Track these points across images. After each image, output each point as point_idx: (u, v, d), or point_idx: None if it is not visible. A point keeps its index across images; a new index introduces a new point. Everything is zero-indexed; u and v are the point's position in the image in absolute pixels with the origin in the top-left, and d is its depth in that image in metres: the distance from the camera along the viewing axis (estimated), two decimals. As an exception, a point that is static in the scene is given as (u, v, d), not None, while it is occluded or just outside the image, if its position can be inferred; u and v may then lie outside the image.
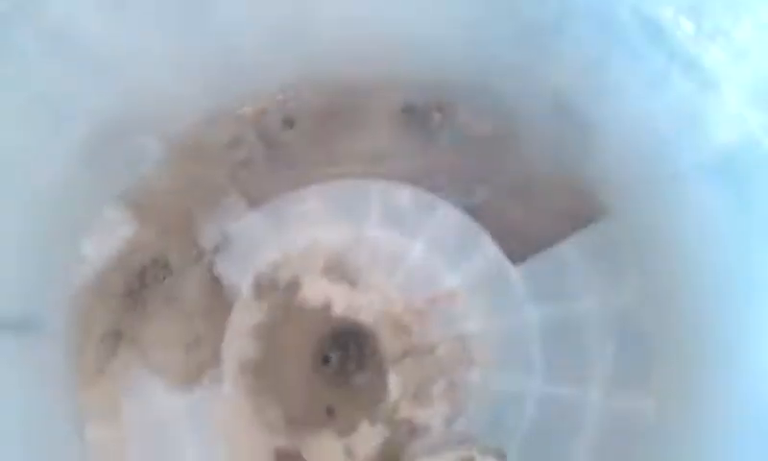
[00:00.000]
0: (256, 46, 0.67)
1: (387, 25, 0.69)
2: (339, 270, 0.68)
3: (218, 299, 0.69)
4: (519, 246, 0.71)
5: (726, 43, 0.41)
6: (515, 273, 0.66)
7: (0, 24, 0.53)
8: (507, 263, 0.68)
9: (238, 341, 0.66)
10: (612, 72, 0.57)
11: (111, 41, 0.60)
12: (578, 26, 0.57)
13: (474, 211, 0.72)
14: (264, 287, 0.69)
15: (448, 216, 0.71)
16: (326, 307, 0.67)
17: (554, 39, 0.61)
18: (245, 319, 0.67)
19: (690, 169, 0.54)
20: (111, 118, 0.67)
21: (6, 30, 0.54)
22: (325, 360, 0.64)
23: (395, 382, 0.65)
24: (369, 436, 0.64)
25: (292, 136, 0.76)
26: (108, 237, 0.71)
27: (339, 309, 0.66)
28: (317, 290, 0.67)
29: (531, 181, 0.73)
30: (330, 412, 0.64)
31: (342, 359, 0.64)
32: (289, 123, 0.76)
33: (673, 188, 0.58)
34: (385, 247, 0.68)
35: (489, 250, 0.68)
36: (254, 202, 0.73)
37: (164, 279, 0.71)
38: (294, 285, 0.68)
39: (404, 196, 0.71)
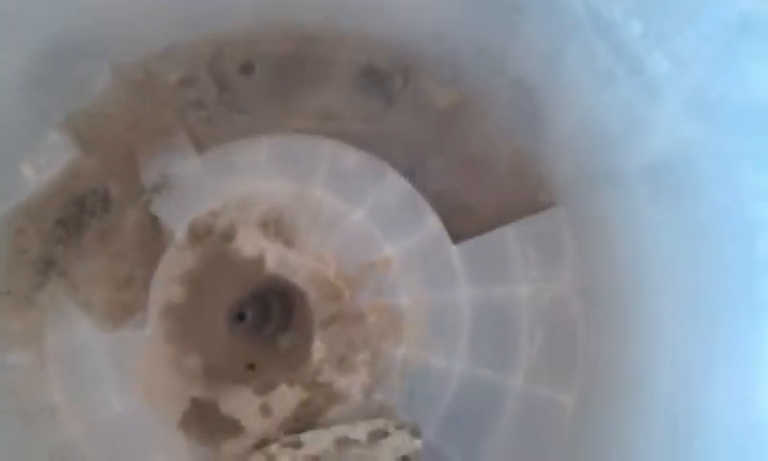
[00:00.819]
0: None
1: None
2: (276, 225, 0.67)
3: (153, 240, 0.68)
4: (462, 223, 0.70)
5: (669, 50, 0.40)
6: (454, 251, 0.66)
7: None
8: (447, 240, 0.67)
9: (165, 285, 0.65)
10: (567, 63, 0.56)
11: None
12: (536, 11, 0.55)
13: (422, 184, 0.71)
14: (199, 234, 0.67)
15: (395, 185, 0.69)
16: (258, 262, 0.66)
17: (515, 19, 0.60)
18: (175, 263, 0.66)
19: (631, 170, 0.54)
20: (63, 39, 0.64)
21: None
22: (240, 317, 0.63)
23: (319, 347, 0.64)
24: (287, 396, 0.64)
25: (247, 83, 0.74)
26: (48, 161, 0.69)
27: (270, 265, 0.65)
28: (251, 243, 0.66)
29: (482, 160, 0.72)
30: (250, 368, 0.64)
31: (258, 318, 0.63)
32: (247, 69, 0.74)
33: (614, 187, 0.58)
34: (326, 208, 0.67)
35: (431, 224, 0.67)
36: (201, 145, 0.71)
37: (102, 212, 0.70)
38: (228, 235, 0.67)
39: (353, 159, 0.70)
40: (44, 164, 0.69)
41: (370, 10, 0.71)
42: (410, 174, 0.71)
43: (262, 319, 0.64)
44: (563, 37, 0.54)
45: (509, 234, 0.67)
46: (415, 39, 0.72)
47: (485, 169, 0.72)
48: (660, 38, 0.40)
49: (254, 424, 0.63)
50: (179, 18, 0.70)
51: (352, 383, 0.64)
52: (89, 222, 0.69)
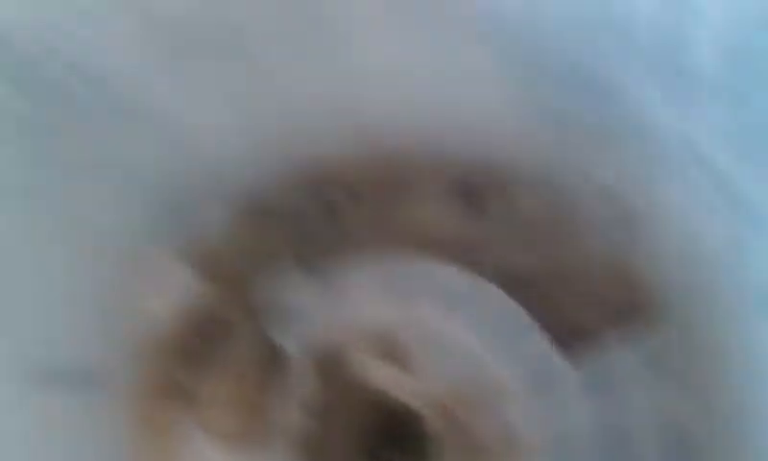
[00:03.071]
0: (316, 114, 0.69)
1: (448, 103, 0.70)
2: (386, 349, 0.70)
3: (272, 366, 0.72)
4: (564, 333, 0.71)
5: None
6: (567, 372, 0.67)
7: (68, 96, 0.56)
8: (556, 354, 0.69)
9: (286, 411, 0.68)
10: (664, 187, 0.57)
11: (179, 111, 0.63)
12: (629, 138, 0.58)
13: (521, 295, 0.73)
14: (314, 358, 0.71)
15: (497, 301, 0.71)
16: (373, 386, 0.68)
17: (608, 144, 0.62)
18: (295, 388, 0.69)
19: (737, 288, 0.55)
20: (184, 185, 0.70)
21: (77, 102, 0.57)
22: (373, 456, 0.65)
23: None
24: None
25: (348, 206, 0.78)
26: (169, 292, 0.74)
27: (385, 390, 0.68)
28: (367, 368, 0.69)
29: (578, 268, 0.74)
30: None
31: (389, 454, 0.65)
32: (350, 193, 0.78)
33: (722, 304, 0.59)
34: (433, 329, 0.70)
35: (540, 343, 0.68)
36: (310, 269, 0.75)
37: (223, 338, 0.74)
38: (342, 360, 0.70)
39: (455, 278, 0.72)
40: (165, 296, 0.74)
41: (462, 130, 0.74)
42: (511, 288, 0.74)
43: (392, 454, 0.67)
44: (658, 165, 0.56)
45: (614, 343, 0.68)
46: (509, 158, 0.75)
47: (580, 277, 0.74)
48: (763, 176, 0.42)
49: None
50: (287, 151, 0.75)
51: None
52: (211, 349, 0.73)
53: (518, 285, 0.73)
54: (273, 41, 0.55)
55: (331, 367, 0.69)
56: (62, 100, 0.52)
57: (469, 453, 0.65)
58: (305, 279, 0.73)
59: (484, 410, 0.66)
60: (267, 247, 0.76)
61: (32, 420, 0.60)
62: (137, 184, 0.66)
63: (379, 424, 0.68)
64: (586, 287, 0.73)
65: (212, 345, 0.74)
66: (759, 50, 0.40)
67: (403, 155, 0.77)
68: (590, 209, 0.73)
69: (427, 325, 0.71)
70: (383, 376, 0.68)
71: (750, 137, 0.45)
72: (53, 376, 0.62)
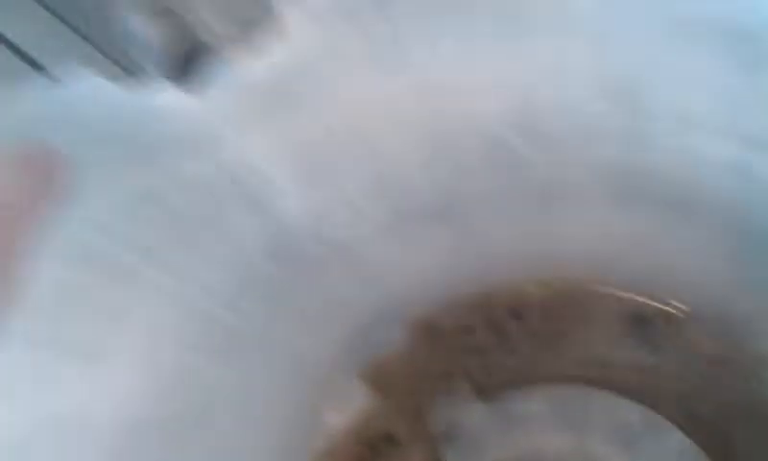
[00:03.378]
0: (511, 264, 0.72)
1: (629, 252, 0.72)
2: (564, 485, 0.71)
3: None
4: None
5: None
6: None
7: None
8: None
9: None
10: None
11: (388, 259, 0.66)
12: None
13: (697, 435, 0.73)
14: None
15: (674, 441, 0.72)
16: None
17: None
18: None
19: None
20: (368, 312, 0.74)
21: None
22: None
23: None
24: None
25: (518, 328, 0.80)
26: (347, 409, 0.78)
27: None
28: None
29: (757, 407, 0.74)
30: None
31: None
32: (517, 314, 0.80)
33: None
34: (611, 465, 0.71)
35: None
36: (482, 391, 0.77)
37: (391, 453, 0.77)
38: (520, 491, 0.72)
39: (629, 413, 0.73)
40: (343, 410, 0.78)
41: (635, 273, 0.75)
42: (684, 424, 0.74)
43: None
44: None
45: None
46: (685, 292, 0.75)
47: (759, 415, 0.73)
48: None
49: None
50: (456, 276, 0.78)
51: None
52: (381, 461, 0.76)
53: (698, 426, 0.73)
54: (483, 206, 0.58)
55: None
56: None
57: None
58: (478, 404, 0.76)
59: None
60: (440, 368, 0.79)
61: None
62: (332, 313, 0.70)
63: None
64: (764, 426, 0.73)
65: (380, 458, 0.77)
66: None
67: (572, 283, 0.79)
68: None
69: (600, 460, 0.72)
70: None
71: None
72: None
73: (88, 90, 0.32)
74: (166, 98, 0.34)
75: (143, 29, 0.30)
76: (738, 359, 0.75)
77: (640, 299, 0.77)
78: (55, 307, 0.40)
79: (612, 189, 0.53)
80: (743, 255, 0.62)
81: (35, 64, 0.39)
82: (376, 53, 0.36)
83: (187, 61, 0.32)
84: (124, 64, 0.32)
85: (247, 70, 0.35)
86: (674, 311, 0.77)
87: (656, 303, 0.77)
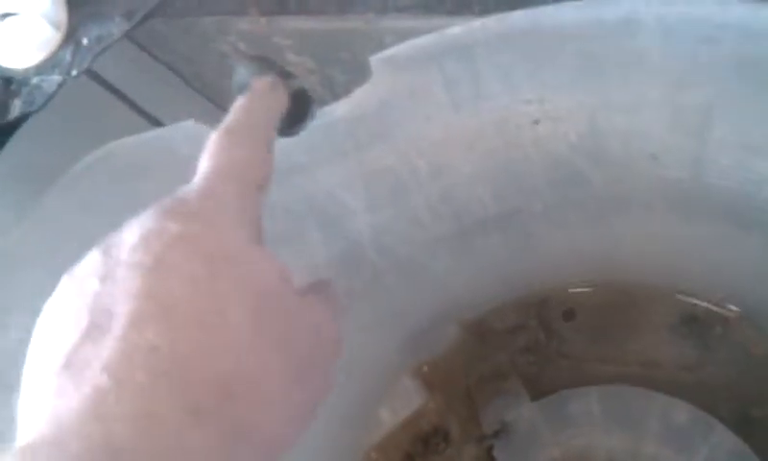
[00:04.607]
0: (567, 268, 0.73)
1: (683, 261, 0.72)
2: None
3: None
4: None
5: None
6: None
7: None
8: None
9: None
10: None
11: (450, 266, 0.68)
12: None
13: (749, 436, 0.74)
14: (539, 483, 0.74)
15: (726, 440, 0.73)
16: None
17: None
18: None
19: None
20: (424, 314, 0.75)
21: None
22: None
23: None
24: None
25: (571, 329, 0.81)
26: (401, 404, 0.80)
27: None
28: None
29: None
30: None
31: None
32: (570, 316, 0.81)
33: None
34: (662, 467, 0.72)
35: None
36: (534, 390, 0.79)
37: (443, 449, 0.79)
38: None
39: (682, 413, 0.74)
40: (398, 407, 0.80)
41: (688, 279, 0.76)
42: (737, 426, 0.75)
43: None
44: None
45: None
46: (734, 289, 0.76)
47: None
48: None
49: None
50: (511, 279, 0.79)
51: None
52: (432, 458, 0.78)
53: (750, 428, 0.74)
54: (542, 218, 0.59)
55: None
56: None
57: None
58: (530, 403, 0.77)
59: None
60: (493, 367, 0.81)
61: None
62: (390, 317, 0.72)
63: None
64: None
65: (433, 454, 0.79)
66: None
67: (623, 286, 0.80)
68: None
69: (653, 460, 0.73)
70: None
71: None
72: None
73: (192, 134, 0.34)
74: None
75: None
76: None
77: (693, 301, 0.78)
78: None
79: (673, 204, 0.54)
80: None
81: (152, 120, 0.42)
82: (458, 96, 0.37)
83: (293, 119, 0.34)
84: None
85: (331, 109, 0.37)
86: (726, 313, 0.78)
87: (708, 305, 0.77)
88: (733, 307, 0.76)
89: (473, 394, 0.80)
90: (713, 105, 0.39)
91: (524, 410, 0.77)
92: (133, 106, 0.44)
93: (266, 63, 0.35)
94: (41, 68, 0.35)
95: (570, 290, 0.80)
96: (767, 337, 0.76)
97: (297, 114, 0.35)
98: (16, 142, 0.37)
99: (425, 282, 0.68)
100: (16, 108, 0.36)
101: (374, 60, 0.35)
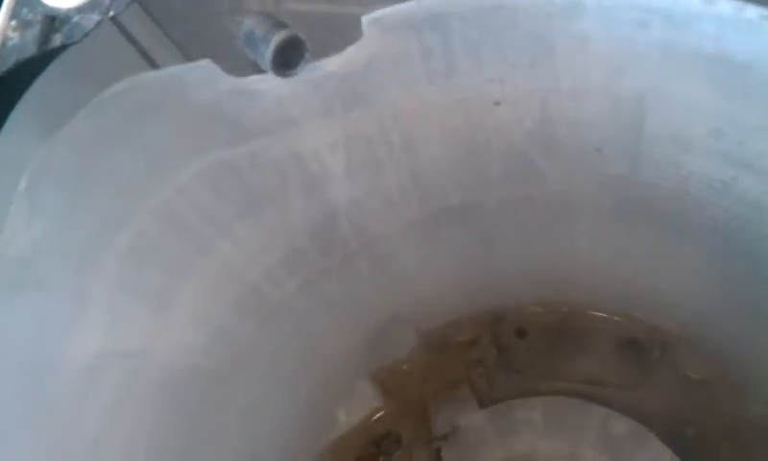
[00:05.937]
0: (519, 280, 0.79)
1: (627, 272, 0.78)
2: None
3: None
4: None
5: None
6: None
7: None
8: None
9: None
10: None
11: (414, 258, 0.72)
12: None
13: (684, 452, 0.79)
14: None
15: (660, 453, 0.77)
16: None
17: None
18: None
19: None
20: (386, 312, 0.80)
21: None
22: None
23: None
24: None
25: (521, 346, 0.86)
26: (357, 407, 0.83)
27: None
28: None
29: (743, 427, 0.79)
30: None
31: None
32: (521, 334, 0.87)
33: None
34: (600, 470, 0.76)
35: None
36: (482, 400, 0.83)
37: (394, 452, 0.83)
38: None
39: (620, 426, 0.79)
40: (353, 410, 0.84)
41: (631, 295, 0.82)
42: (672, 444, 0.79)
43: None
44: None
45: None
46: (675, 318, 0.82)
47: (745, 435, 0.79)
48: None
49: None
50: (469, 295, 0.84)
51: None
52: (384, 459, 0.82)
53: (684, 445, 0.79)
54: (500, 216, 0.65)
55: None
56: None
57: None
58: (477, 408, 0.81)
59: None
60: (446, 376, 0.85)
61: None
62: (358, 304, 0.76)
63: None
64: (750, 445, 0.78)
65: (385, 457, 0.82)
66: None
67: (572, 308, 0.86)
68: (755, 367, 0.78)
69: (592, 466, 0.77)
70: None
71: None
72: None
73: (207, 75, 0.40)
74: (263, 83, 0.42)
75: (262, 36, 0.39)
76: (724, 381, 0.81)
77: (634, 323, 0.84)
78: (139, 255, 0.47)
79: (617, 205, 0.60)
80: (732, 280, 0.69)
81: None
82: (432, 68, 0.44)
83: (290, 60, 0.40)
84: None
85: (323, 65, 0.43)
86: (665, 336, 0.83)
87: (648, 327, 0.83)
88: (672, 328, 0.82)
89: (427, 400, 0.84)
90: (645, 94, 0.46)
91: (473, 416, 0.82)
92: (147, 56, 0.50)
93: (266, 15, 0.41)
94: (83, 9, 0.41)
95: (524, 309, 0.86)
96: (704, 361, 0.81)
97: (291, 58, 0.42)
98: (54, 68, 0.43)
99: (393, 276, 0.73)
100: (57, 40, 0.41)
101: (365, 19, 0.41)
